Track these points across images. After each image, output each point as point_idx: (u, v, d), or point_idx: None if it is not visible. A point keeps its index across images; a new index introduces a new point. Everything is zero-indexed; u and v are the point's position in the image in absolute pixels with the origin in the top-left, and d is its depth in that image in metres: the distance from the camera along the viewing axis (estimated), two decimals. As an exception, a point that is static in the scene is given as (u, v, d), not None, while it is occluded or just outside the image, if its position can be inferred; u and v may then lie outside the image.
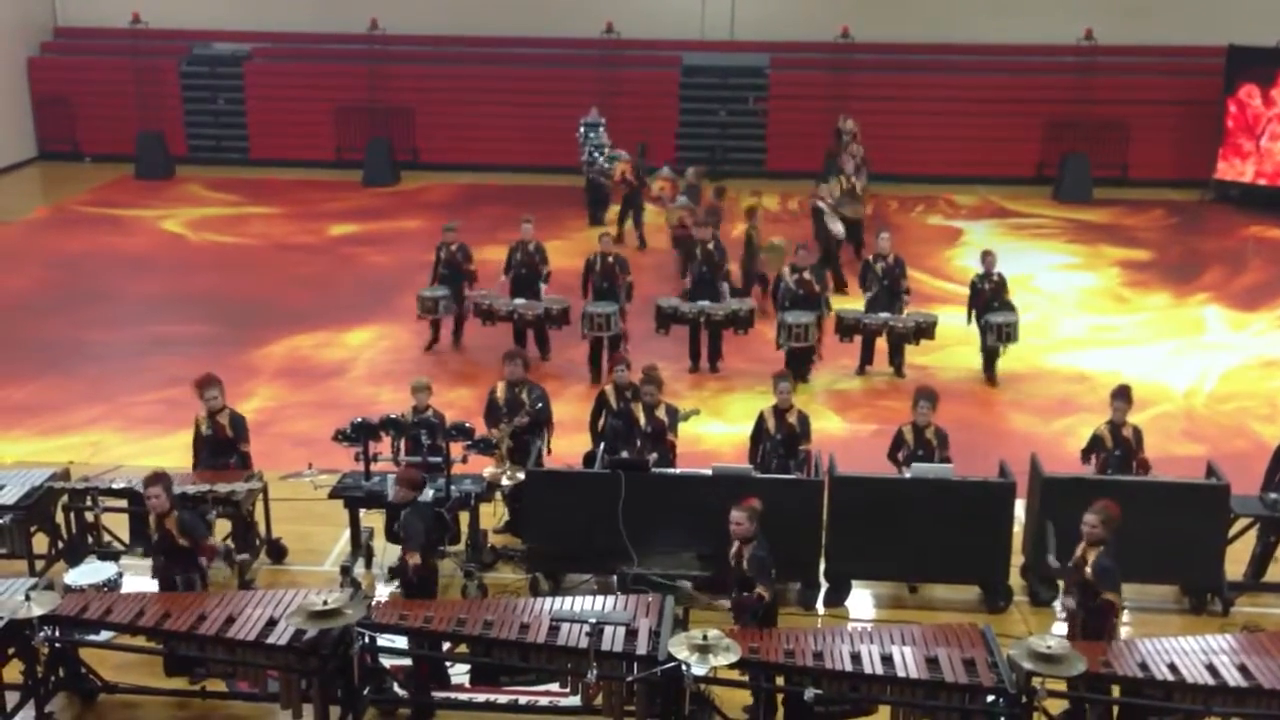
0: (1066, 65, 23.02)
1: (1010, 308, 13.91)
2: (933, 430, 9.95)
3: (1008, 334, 13.71)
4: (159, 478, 8.38)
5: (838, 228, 16.54)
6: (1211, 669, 7.28)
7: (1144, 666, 7.30)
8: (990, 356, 14.07)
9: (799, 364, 13.44)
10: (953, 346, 15.14)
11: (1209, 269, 18.49)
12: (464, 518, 9.67)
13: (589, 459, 10.38)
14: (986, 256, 14.20)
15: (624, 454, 9.97)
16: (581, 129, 20.22)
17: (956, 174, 21.62)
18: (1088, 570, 7.69)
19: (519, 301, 14.21)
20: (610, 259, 14.11)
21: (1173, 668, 7.29)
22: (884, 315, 13.96)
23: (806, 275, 13.70)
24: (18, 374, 13.89)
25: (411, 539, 8.28)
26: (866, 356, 14.28)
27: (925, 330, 13.99)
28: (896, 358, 14.24)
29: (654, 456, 9.96)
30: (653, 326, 14.40)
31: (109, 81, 24.11)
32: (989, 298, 13.84)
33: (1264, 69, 21.95)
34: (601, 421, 10.68)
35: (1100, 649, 7.42)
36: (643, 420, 10.20)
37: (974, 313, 13.98)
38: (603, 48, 23.47)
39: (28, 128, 24.90)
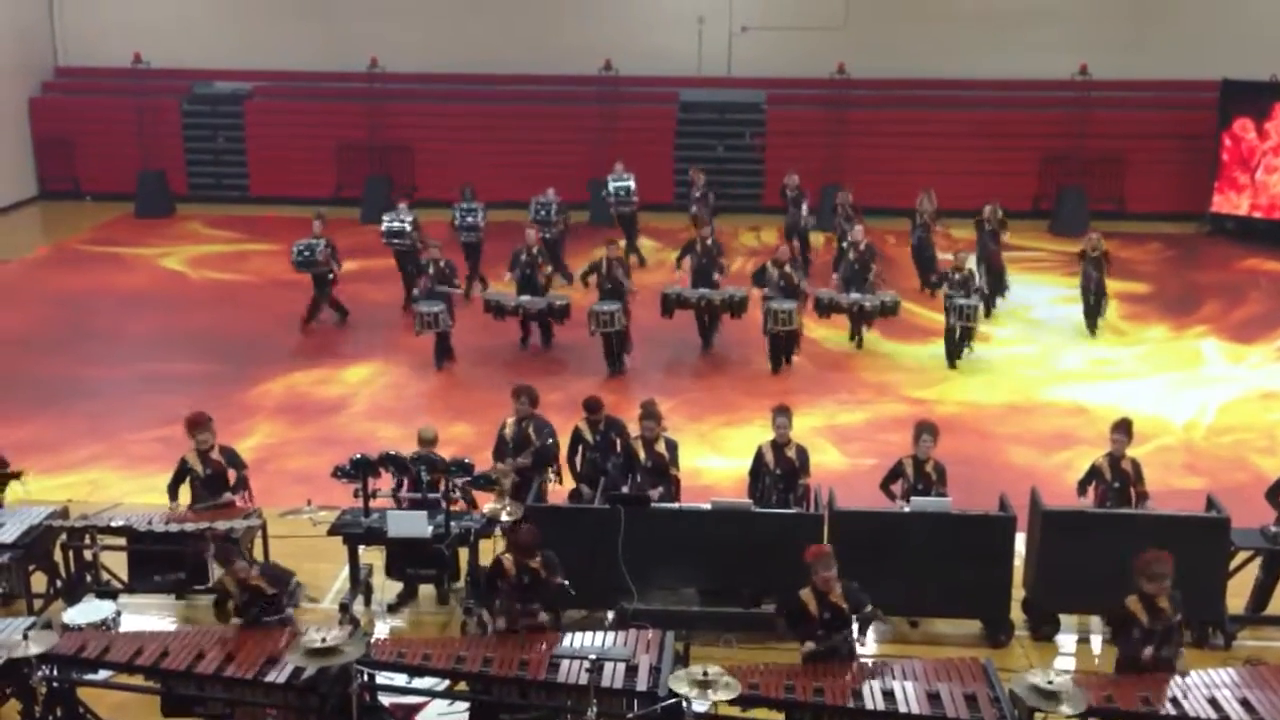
0: (1062, 100, 23.18)
1: (977, 295, 15.77)
2: (932, 464, 9.94)
3: (968, 315, 15.43)
4: (233, 551, 8.28)
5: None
6: (1214, 703, 7.26)
7: (1147, 701, 7.27)
8: (951, 338, 15.67)
9: (787, 347, 15.47)
10: (952, 380, 15.19)
11: (1206, 302, 18.54)
12: (464, 554, 9.65)
13: (574, 496, 10.38)
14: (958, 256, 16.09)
15: (624, 489, 9.95)
16: (611, 186, 20.15)
17: (953, 208, 21.68)
18: (1173, 616, 7.72)
19: (524, 298, 15.51)
20: (614, 262, 15.47)
21: (1175, 702, 7.26)
22: (854, 295, 15.94)
23: (788, 269, 15.56)
24: (17, 412, 13.88)
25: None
26: (854, 333, 16.37)
27: (890, 309, 15.95)
28: (856, 330, 16.31)
29: (659, 491, 9.93)
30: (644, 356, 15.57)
31: (110, 121, 24.26)
32: (957, 285, 15.64)
33: (1258, 103, 22.12)
34: (579, 459, 10.65)
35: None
36: (643, 455, 10.19)
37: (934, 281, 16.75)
38: (601, 85, 23.62)
39: (29, 167, 25.03)
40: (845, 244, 16.47)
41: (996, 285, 17.57)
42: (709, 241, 16.10)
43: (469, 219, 18.58)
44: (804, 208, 19.45)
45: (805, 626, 7.87)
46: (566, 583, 8.23)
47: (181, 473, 10.09)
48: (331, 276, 16.40)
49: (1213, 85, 22.51)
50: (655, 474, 10.14)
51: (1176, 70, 23.25)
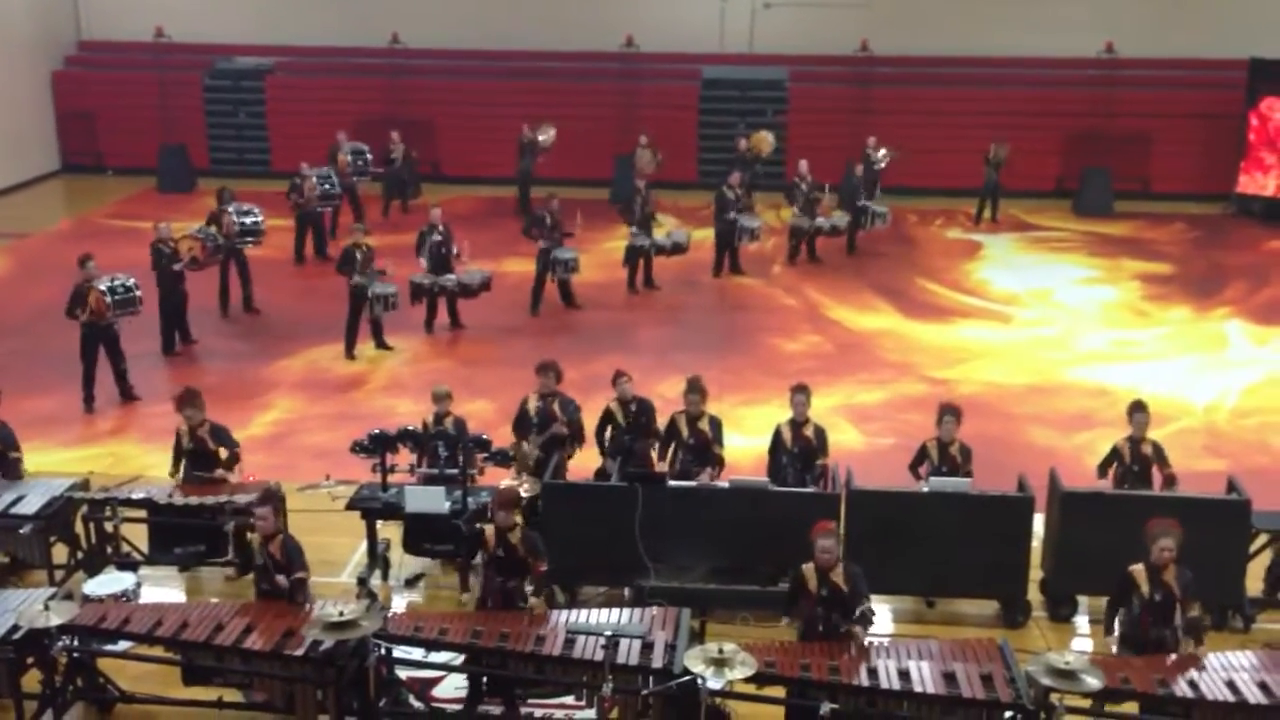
0: (1087, 78, 22.96)
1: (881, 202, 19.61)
2: (957, 446, 9.87)
3: (881, 218, 19.51)
4: (270, 496, 8.29)
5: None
6: (1232, 686, 7.24)
7: (1164, 683, 7.25)
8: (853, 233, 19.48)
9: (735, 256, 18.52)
10: (973, 360, 15.14)
11: (1231, 283, 18.38)
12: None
13: (600, 474, 10.37)
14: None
15: (662, 466, 9.91)
16: (349, 155, 20.46)
17: (976, 187, 21.59)
18: (1177, 590, 7.67)
19: (449, 277, 15.72)
20: (557, 212, 16.52)
21: (1193, 684, 7.24)
22: (804, 220, 18.91)
23: (739, 191, 18.35)
24: (40, 385, 13.96)
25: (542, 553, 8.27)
26: (811, 252, 19.15)
27: (839, 231, 19.08)
28: (811, 250, 19.17)
29: (710, 473, 9.84)
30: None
31: (132, 95, 24.30)
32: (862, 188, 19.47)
33: (1286, 82, 21.85)
34: (609, 435, 10.63)
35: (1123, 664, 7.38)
36: (685, 431, 10.14)
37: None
38: (622, 61, 23.53)
39: (51, 140, 25.12)
40: (797, 178, 19.03)
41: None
42: (644, 192, 17.72)
43: (325, 186, 19.09)
44: (533, 157, 21.26)
45: (803, 602, 7.86)
46: (544, 568, 8.18)
47: (176, 445, 10.16)
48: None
49: (1240, 64, 22.24)
50: (696, 451, 10.09)
51: (1203, 49, 23.00)
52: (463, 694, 8.26)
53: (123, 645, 8.04)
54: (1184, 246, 20.50)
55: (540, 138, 21.24)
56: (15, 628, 7.75)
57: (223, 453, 10.08)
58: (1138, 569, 7.75)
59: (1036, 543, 9.72)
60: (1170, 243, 20.70)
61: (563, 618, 7.90)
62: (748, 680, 7.11)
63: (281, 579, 8.02)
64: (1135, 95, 22.82)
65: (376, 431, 9.89)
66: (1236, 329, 16.44)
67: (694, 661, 7.00)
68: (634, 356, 14.73)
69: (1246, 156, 22.37)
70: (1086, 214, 22.23)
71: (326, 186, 19.14)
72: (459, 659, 7.98)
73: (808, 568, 7.83)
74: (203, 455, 10.06)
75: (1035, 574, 9.72)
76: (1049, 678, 6.87)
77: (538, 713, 8.28)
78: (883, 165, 20.28)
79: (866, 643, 7.60)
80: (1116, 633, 7.93)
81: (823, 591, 7.77)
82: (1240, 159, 22.42)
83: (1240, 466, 11.30)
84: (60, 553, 9.82)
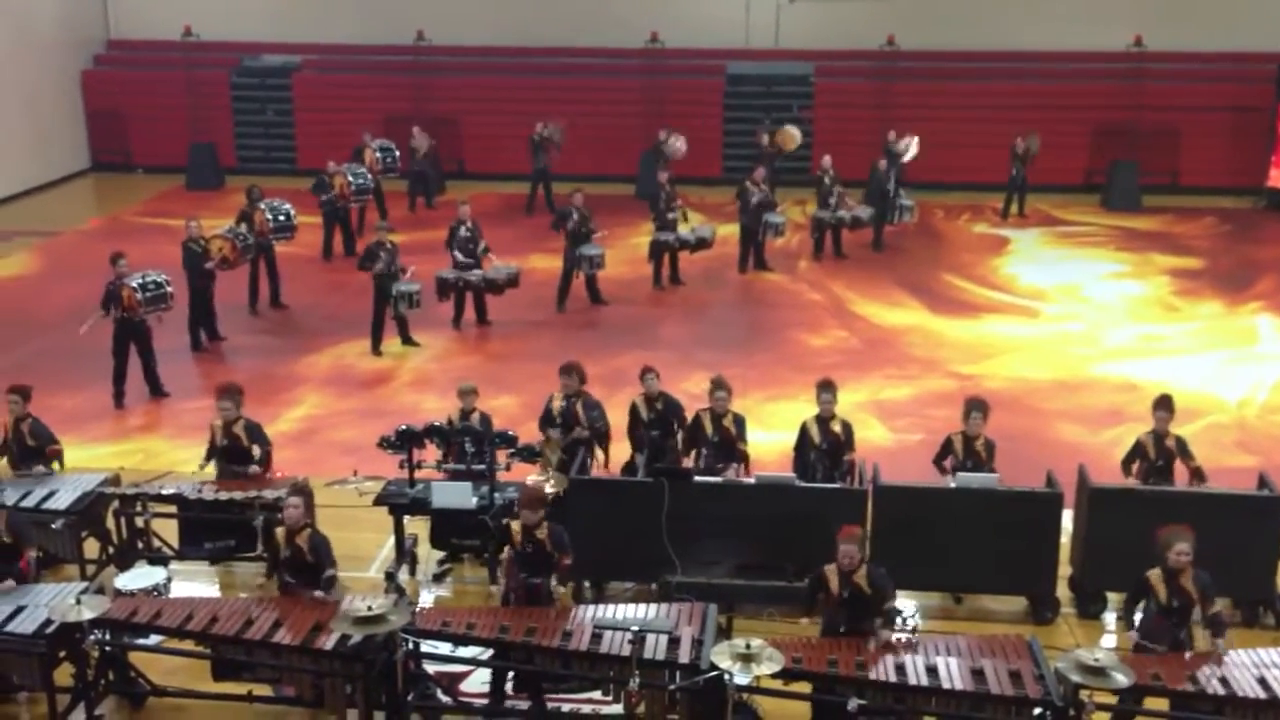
0: (1115, 72, 22.81)
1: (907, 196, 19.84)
2: (982, 441, 9.83)
3: (907, 213, 19.71)
4: (303, 489, 8.35)
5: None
6: (1263, 683, 7.18)
7: (1194, 680, 7.21)
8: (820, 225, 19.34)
9: (760, 252, 18.58)
10: (1001, 355, 15.06)
11: (1261, 277, 18.21)
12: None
13: (628, 469, 10.37)
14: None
15: (687, 463, 9.92)
16: (378, 152, 20.56)
17: (1003, 182, 21.48)
18: (1195, 594, 7.60)
19: (476, 272, 15.77)
20: (586, 210, 16.60)
21: (1224, 681, 7.19)
22: (838, 213, 19.07)
23: (763, 186, 18.45)
24: (71, 381, 14.08)
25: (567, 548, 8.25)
26: (836, 247, 19.26)
27: (859, 222, 19.14)
28: (837, 245, 19.29)
29: (735, 468, 9.86)
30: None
31: (161, 93, 24.49)
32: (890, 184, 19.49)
33: (1317, 75, 21.65)
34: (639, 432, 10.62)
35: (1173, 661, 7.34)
36: (710, 429, 10.15)
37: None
38: (647, 57, 23.52)
39: (81, 139, 25.33)
40: (820, 172, 19.35)
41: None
42: (669, 188, 17.72)
43: (360, 181, 19.11)
44: (548, 153, 21.62)
45: (824, 601, 7.84)
46: (569, 562, 8.20)
47: (211, 439, 10.22)
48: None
49: (1270, 57, 22.09)
50: (721, 449, 10.09)
51: (1233, 42, 22.82)
52: (489, 689, 8.28)
53: (154, 639, 8.10)
54: (1214, 241, 20.34)
55: (552, 136, 21.46)
56: (48, 622, 7.82)
57: (255, 450, 10.13)
58: (1154, 574, 7.68)
59: (1065, 539, 9.67)
60: (1200, 237, 20.54)
61: (589, 613, 7.91)
62: (774, 676, 7.11)
63: (318, 593, 7.99)
64: (1164, 89, 22.66)
65: (403, 427, 9.92)
66: (1267, 324, 16.29)
67: (721, 657, 7.00)
68: (659, 352, 14.74)
69: (1277, 150, 22.16)
70: (1115, 208, 22.09)
71: (360, 181, 19.14)
72: (486, 654, 8.00)
73: (830, 569, 7.81)
74: (236, 451, 10.10)
75: (1064, 570, 9.67)
76: (1078, 674, 6.82)
77: (565, 707, 8.30)
78: (909, 156, 20.25)
79: (895, 639, 7.57)
80: (1137, 627, 7.87)
81: (845, 593, 7.76)
82: (1271, 153, 22.22)
83: (1271, 462, 11.19)
84: (92, 548, 9.91)
